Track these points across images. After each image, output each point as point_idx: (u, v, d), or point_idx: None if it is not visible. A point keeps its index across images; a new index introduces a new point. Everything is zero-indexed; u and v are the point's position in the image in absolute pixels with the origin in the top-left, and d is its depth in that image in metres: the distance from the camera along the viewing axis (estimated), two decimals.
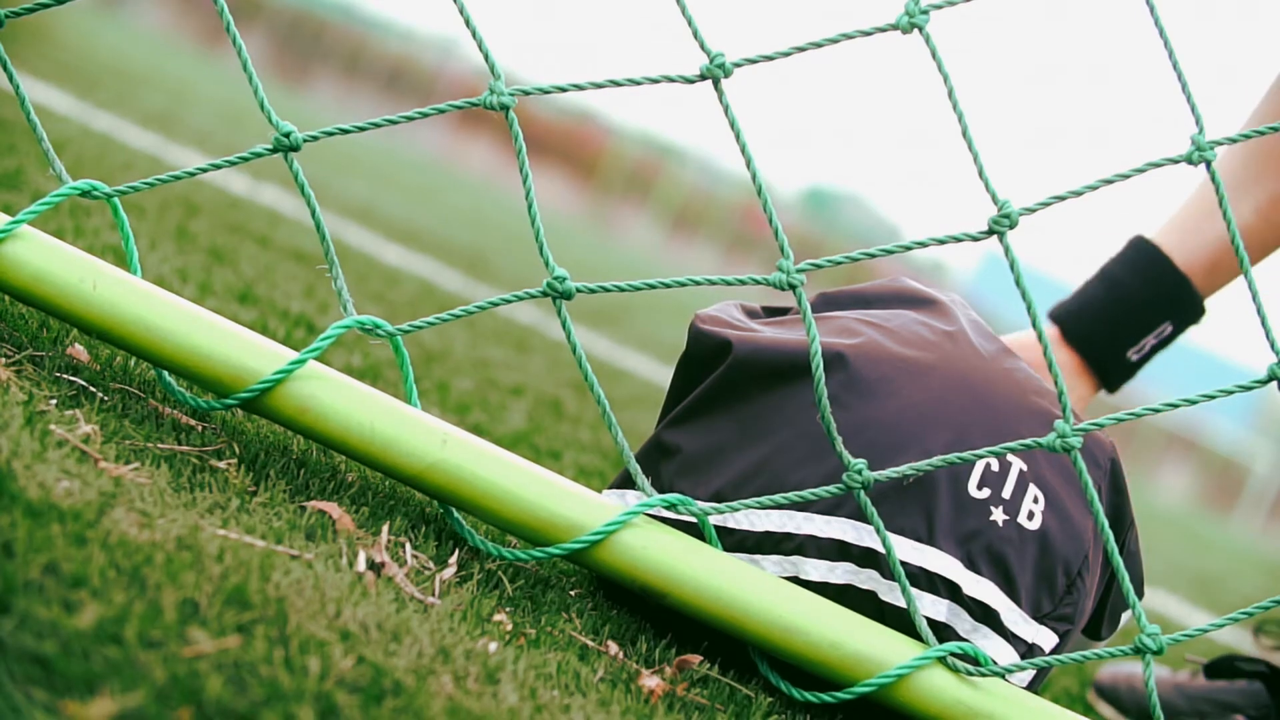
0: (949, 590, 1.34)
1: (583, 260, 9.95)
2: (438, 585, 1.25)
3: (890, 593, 1.35)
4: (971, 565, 1.35)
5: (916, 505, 1.35)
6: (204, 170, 1.40)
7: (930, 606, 1.34)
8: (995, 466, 1.37)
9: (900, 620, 1.35)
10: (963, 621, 1.35)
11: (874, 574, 1.34)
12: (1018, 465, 1.38)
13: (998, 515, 1.36)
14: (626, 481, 1.46)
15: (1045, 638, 1.38)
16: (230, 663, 0.94)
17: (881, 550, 1.33)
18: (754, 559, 1.38)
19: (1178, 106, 1.37)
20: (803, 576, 1.36)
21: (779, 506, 1.36)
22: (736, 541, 1.38)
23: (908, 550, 1.34)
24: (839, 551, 1.36)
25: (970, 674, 1.31)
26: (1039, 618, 1.37)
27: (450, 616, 1.18)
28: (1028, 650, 1.37)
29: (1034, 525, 1.37)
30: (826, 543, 1.36)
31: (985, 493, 1.36)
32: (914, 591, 1.34)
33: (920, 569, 1.34)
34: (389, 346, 1.42)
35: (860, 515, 1.34)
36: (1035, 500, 1.38)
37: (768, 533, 1.38)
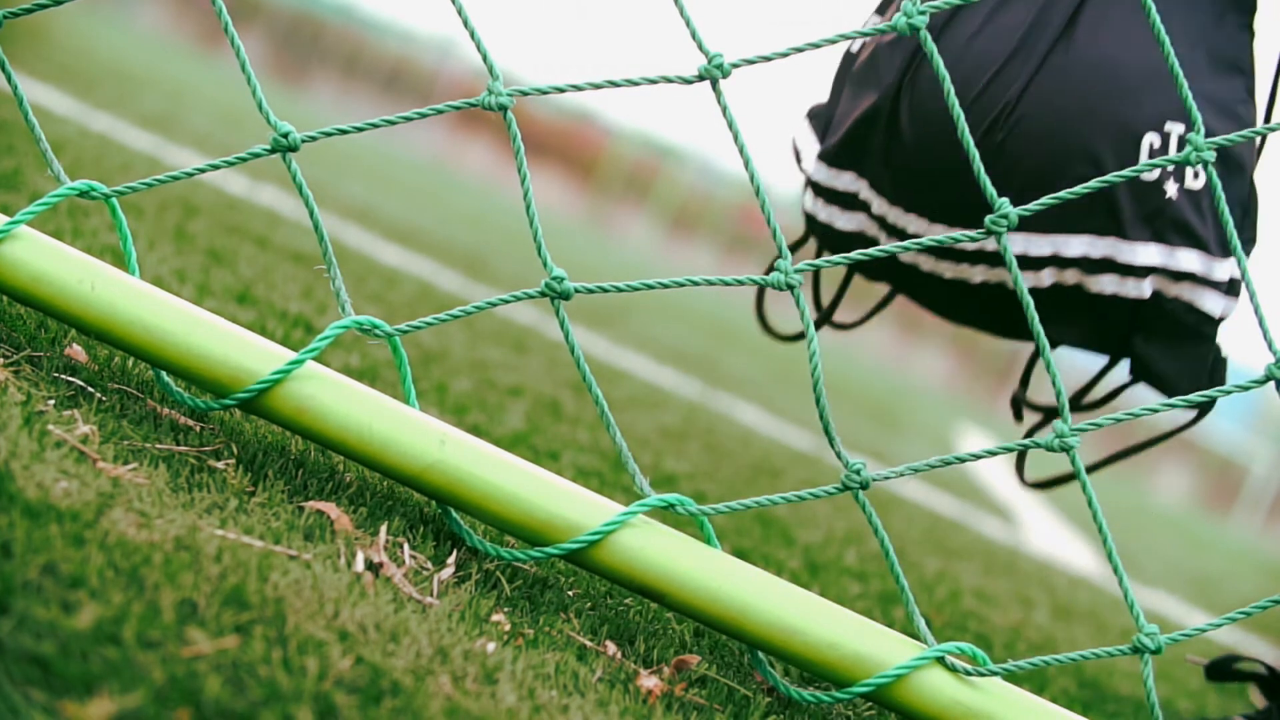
0: (1150, 272, 1.53)
1: (581, 261, 9.95)
2: (436, 585, 1.25)
3: (1096, 285, 1.57)
4: (1162, 240, 1.49)
5: (1101, 205, 1.52)
6: (202, 171, 1.40)
7: (1134, 289, 1.54)
8: (1157, 143, 1.49)
9: (1108, 307, 1.57)
10: (1168, 287, 1.51)
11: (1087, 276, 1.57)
12: (1176, 132, 1.51)
13: (1171, 189, 1.50)
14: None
15: (1227, 267, 1.57)
16: (229, 663, 0.94)
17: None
18: None
19: None
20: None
21: None
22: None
23: (1104, 248, 1.54)
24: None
25: (969, 674, 1.31)
26: (1217, 255, 1.57)
27: (448, 617, 1.18)
28: (1229, 286, 1.54)
29: (1199, 183, 1.52)
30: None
31: (1155, 173, 1.49)
32: (1118, 280, 1.55)
33: (1124, 264, 1.50)
34: (387, 347, 1.42)
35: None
36: None
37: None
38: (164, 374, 1.38)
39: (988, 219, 1.31)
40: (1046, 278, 1.61)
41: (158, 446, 1.28)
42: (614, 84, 1.35)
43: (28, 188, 2.31)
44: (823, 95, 1.91)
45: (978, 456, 1.30)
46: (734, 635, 1.32)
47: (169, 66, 10.66)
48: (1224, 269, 1.58)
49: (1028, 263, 1.61)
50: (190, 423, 1.37)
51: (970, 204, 1.45)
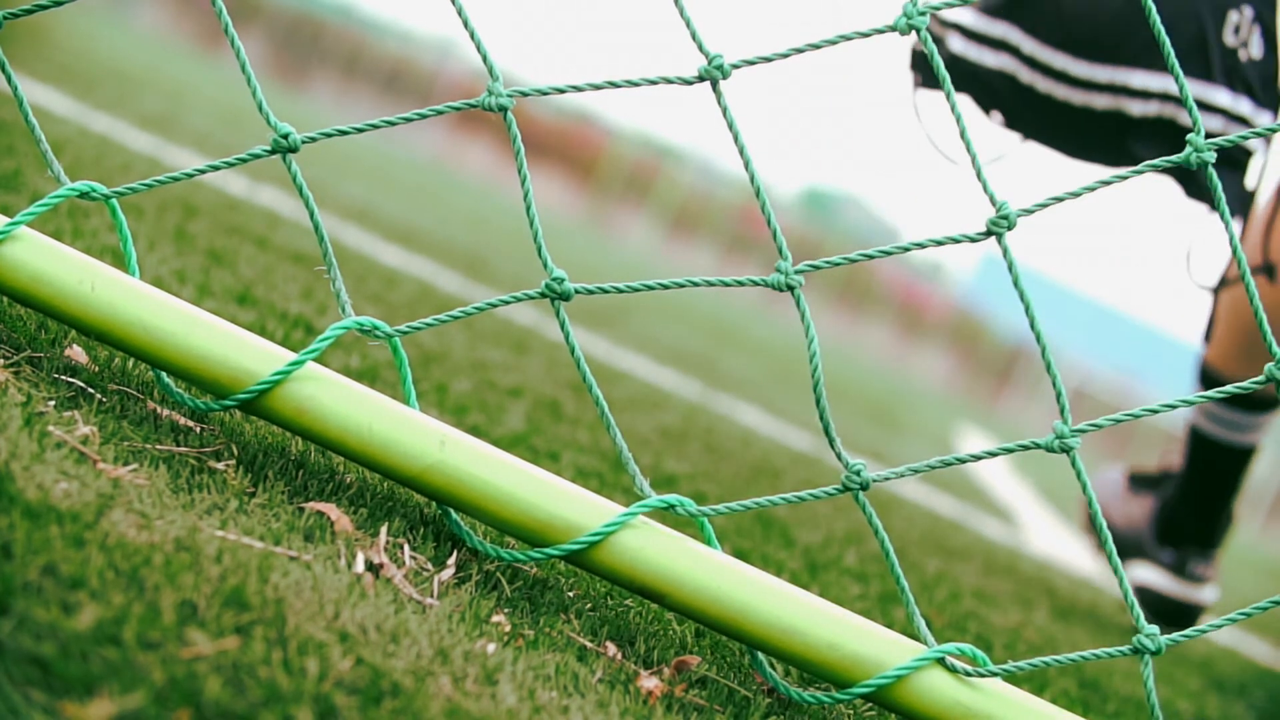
0: (1221, 111, 2.25)
1: (581, 261, 9.95)
2: (436, 586, 1.25)
3: (1183, 117, 2.28)
4: (1231, 87, 2.23)
5: (1199, 57, 2.22)
6: (202, 171, 1.40)
7: (1208, 120, 2.25)
8: (1235, 19, 2.20)
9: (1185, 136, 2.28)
10: (1227, 127, 2.25)
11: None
12: (1249, 12, 2.22)
13: (1243, 55, 2.22)
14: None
15: (1266, 117, 2.28)
16: (229, 664, 0.94)
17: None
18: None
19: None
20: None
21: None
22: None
23: (1197, 89, 2.23)
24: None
25: (969, 675, 1.31)
26: (1261, 107, 2.26)
27: (449, 618, 1.18)
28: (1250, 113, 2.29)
29: (1258, 53, 2.25)
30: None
31: (1238, 39, 2.18)
32: (1200, 114, 2.15)
33: (1207, 102, 2.22)
34: (387, 348, 1.42)
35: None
36: (1254, 33, 2.22)
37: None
38: (164, 375, 1.38)
39: (988, 220, 1.31)
40: (1153, 108, 2.29)
41: (158, 447, 1.28)
42: (614, 84, 1.35)
43: (28, 188, 2.31)
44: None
45: (978, 457, 1.30)
46: (734, 636, 1.32)
47: (169, 66, 10.66)
48: (1263, 119, 2.29)
49: (1143, 95, 2.29)
50: (190, 424, 1.37)
51: (1110, 42, 2.25)
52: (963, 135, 1.31)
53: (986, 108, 2.51)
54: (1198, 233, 2.53)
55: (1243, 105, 2.24)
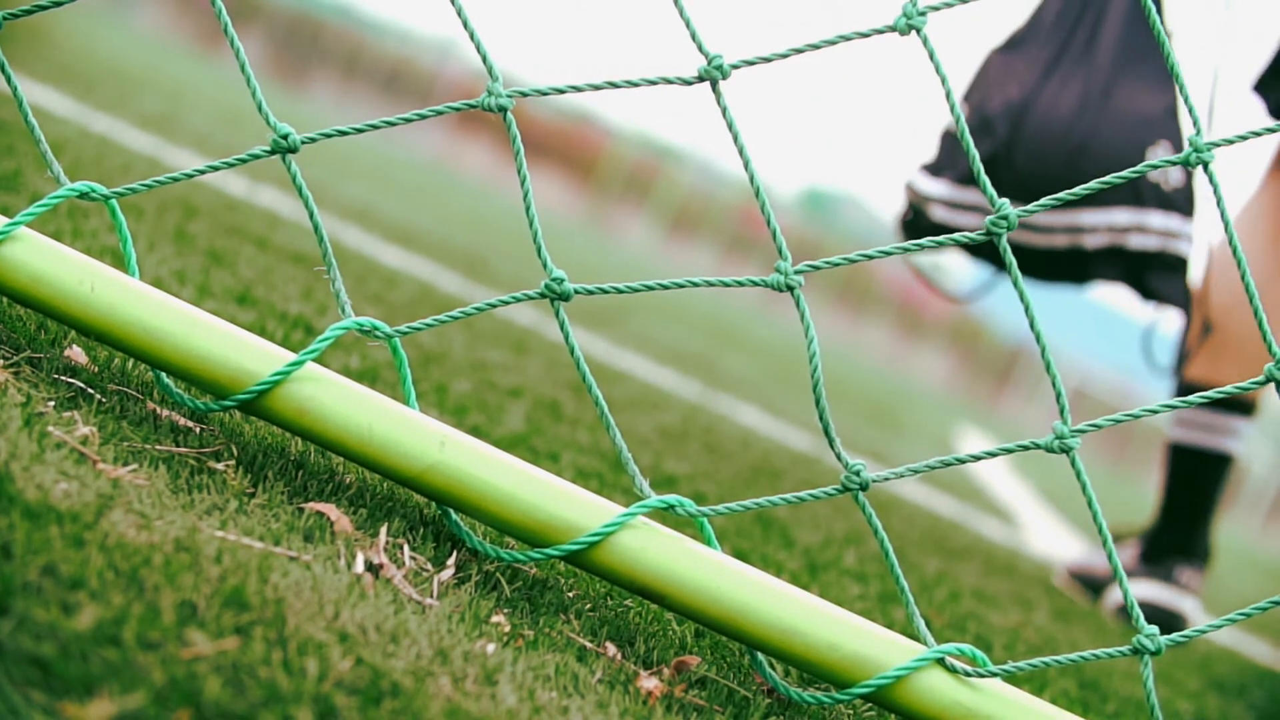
0: (1156, 231, 2.74)
1: (581, 262, 9.95)
2: (436, 587, 1.25)
3: (1129, 242, 2.77)
4: (1164, 210, 2.75)
5: (1130, 195, 2.74)
6: (202, 172, 1.40)
7: (1149, 242, 2.75)
8: (1156, 155, 2.68)
9: (1132, 256, 2.81)
10: (1167, 242, 2.76)
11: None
12: (1162, 150, 2.71)
13: (1164, 184, 2.73)
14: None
15: (1192, 225, 2.80)
16: (228, 664, 0.94)
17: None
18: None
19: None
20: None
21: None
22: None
23: (1135, 217, 2.75)
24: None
25: (968, 675, 1.31)
26: (1187, 218, 2.76)
27: (448, 618, 1.18)
28: (1193, 239, 2.80)
29: (1178, 181, 2.75)
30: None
31: (1157, 174, 2.68)
32: (1141, 236, 2.77)
33: (1145, 226, 2.73)
34: (387, 348, 1.42)
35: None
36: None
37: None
38: (164, 375, 1.38)
39: (988, 220, 1.31)
40: (1103, 239, 2.79)
41: (158, 448, 1.28)
42: (614, 84, 1.35)
43: (28, 189, 2.31)
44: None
45: (977, 458, 1.31)
46: (734, 636, 1.32)
47: (169, 67, 10.66)
48: (1189, 228, 2.79)
49: (1093, 230, 2.80)
50: (190, 424, 1.37)
51: (1060, 191, 2.40)
52: (961, 136, 1.32)
53: (970, 254, 3.09)
54: (1153, 325, 3.06)
55: (1173, 222, 2.79)
